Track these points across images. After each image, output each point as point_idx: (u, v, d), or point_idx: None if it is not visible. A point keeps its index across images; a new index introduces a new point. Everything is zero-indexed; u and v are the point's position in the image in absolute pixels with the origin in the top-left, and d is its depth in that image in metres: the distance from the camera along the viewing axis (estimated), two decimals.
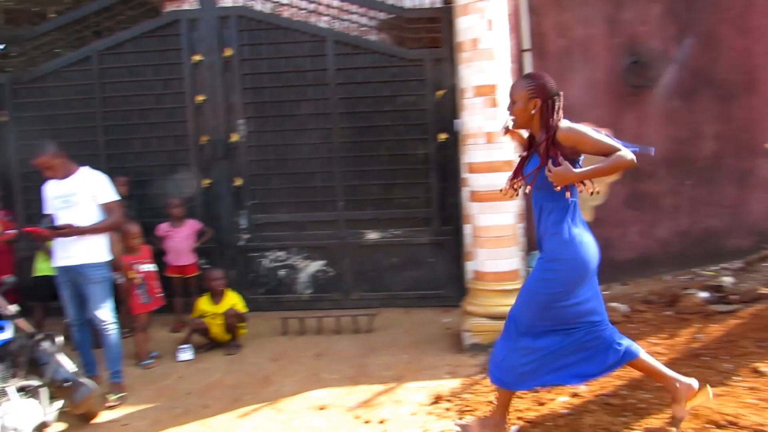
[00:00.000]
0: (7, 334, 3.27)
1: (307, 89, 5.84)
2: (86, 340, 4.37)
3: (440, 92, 5.67)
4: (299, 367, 4.57)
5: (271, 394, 4.09)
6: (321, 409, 3.81)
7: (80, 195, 4.15)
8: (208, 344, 5.11)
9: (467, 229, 5.52)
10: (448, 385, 3.98)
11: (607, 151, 2.68)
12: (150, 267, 4.90)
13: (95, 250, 4.16)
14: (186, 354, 4.93)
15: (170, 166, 6.01)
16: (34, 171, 6.01)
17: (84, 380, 3.72)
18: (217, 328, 5.02)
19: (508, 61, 4.62)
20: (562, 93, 2.84)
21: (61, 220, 4.18)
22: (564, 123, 2.78)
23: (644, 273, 5.56)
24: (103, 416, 3.94)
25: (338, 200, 5.87)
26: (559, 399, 3.48)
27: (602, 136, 2.71)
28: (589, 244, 2.87)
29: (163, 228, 5.62)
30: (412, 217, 5.86)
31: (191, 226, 5.67)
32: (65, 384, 3.59)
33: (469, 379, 4.04)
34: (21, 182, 6.04)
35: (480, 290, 4.66)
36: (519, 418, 3.32)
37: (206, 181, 5.96)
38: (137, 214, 5.53)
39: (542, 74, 2.92)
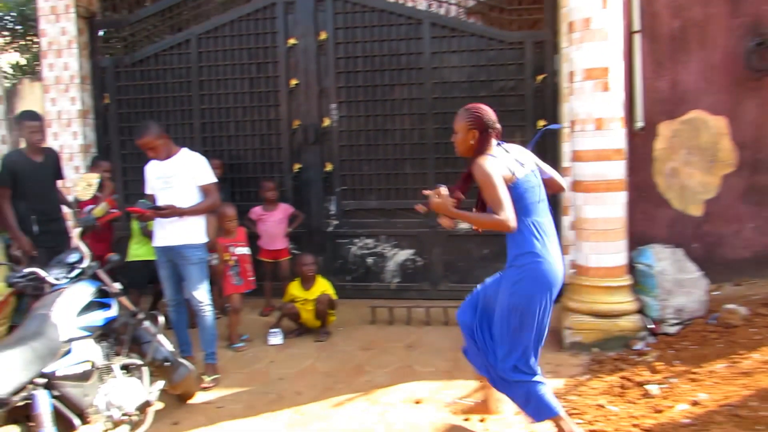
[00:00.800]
0: (113, 311, 3.30)
1: (401, 73, 5.69)
2: (182, 321, 4.42)
3: (540, 77, 5.40)
4: (391, 358, 4.46)
5: (363, 385, 4.00)
6: (417, 403, 3.69)
7: (180, 176, 4.17)
8: (297, 330, 5.08)
9: (565, 221, 5.25)
10: (550, 384, 3.75)
11: (495, 207, 2.77)
12: (244, 250, 4.91)
13: (194, 231, 4.18)
14: (276, 338, 4.92)
15: (262, 150, 6.03)
16: (132, 153, 6.20)
17: (183, 361, 3.74)
18: (307, 314, 4.98)
19: (621, 42, 4.32)
20: (498, 126, 2.99)
21: (161, 200, 4.22)
22: (482, 159, 2.86)
23: (761, 273, 5.11)
24: (199, 397, 3.96)
25: (430, 187, 5.70)
26: (678, 407, 3.21)
27: (502, 191, 2.76)
28: (542, 269, 2.89)
29: (256, 211, 5.61)
30: None
31: (284, 210, 5.64)
32: (165, 364, 3.61)
33: (573, 380, 3.82)
34: (120, 163, 6.19)
35: (583, 286, 4.40)
36: (635, 426, 3.09)
37: (297, 166, 5.93)
38: (229, 197, 5.58)
39: (480, 107, 3.02)
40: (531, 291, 2.89)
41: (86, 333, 3.02)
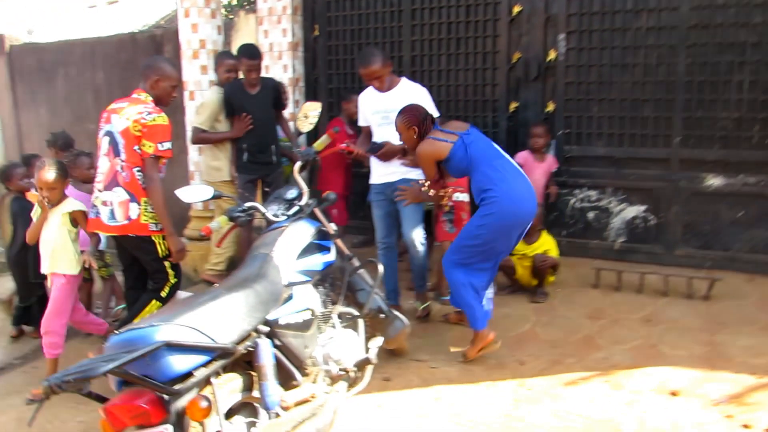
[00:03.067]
0: (331, 255, 3.00)
1: None
2: (392, 265, 4.13)
3: None
4: (627, 332, 3.80)
5: (599, 362, 3.41)
6: (672, 395, 3.03)
7: None
8: (510, 286, 4.58)
9: None
10: None
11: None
12: (463, 197, 4.41)
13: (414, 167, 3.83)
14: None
15: (475, 87, 5.46)
16: (340, 86, 5.96)
17: (398, 314, 3.41)
18: (523, 270, 4.45)
19: None
20: (431, 114, 3.63)
21: (378, 135, 3.90)
22: (421, 144, 3.50)
23: None
24: (410, 354, 3.64)
25: (674, 135, 4.81)
26: None
27: (428, 169, 3.57)
28: (506, 205, 3.33)
29: (524, 157, 4.91)
30: None
31: (551, 162, 4.95)
32: (380, 316, 3.30)
33: None
34: (327, 98, 5.99)
35: None
36: None
37: (513, 105, 5.31)
38: None
39: (411, 108, 3.58)
40: (497, 223, 3.33)
41: (306, 278, 2.75)
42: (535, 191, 4.54)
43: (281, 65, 5.94)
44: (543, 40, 5.12)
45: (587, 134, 5.11)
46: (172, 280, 3.52)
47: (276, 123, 4.93)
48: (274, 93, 4.81)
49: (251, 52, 4.67)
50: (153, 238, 3.39)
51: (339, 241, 3.25)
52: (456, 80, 5.52)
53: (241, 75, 4.79)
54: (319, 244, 2.98)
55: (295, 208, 3.07)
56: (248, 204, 3.00)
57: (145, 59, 3.56)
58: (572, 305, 4.28)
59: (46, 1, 12.47)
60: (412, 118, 3.50)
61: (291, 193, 3.17)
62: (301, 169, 3.25)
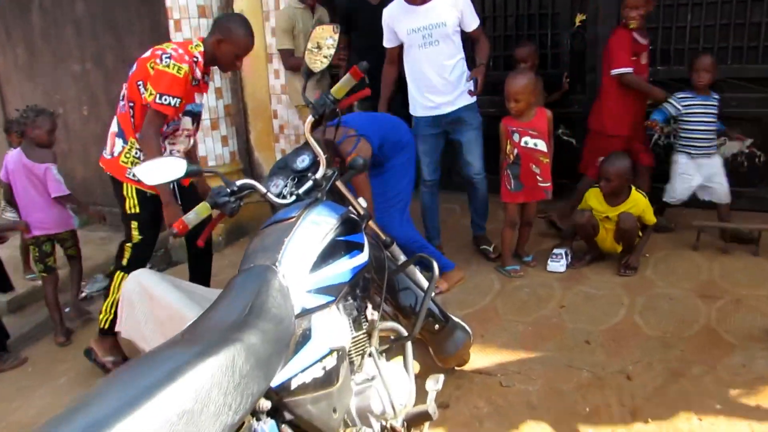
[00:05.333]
0: (363, 256, 2.01)
1: None
2: (435, 205, 3.72)
3: None
4: (761, 319, 2.84)
5: (737, 372, 2.47)
6: None
7: (447, 25, 3.14)
8: (587, 254, 3.61)
9: None
10: None
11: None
12: (536, 143, 3.34)
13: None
14: (559, 264, 3.53)
15: None
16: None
17: (458, 321, 2.48)
18: (606, 234, 3.47)
19: None
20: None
21: (417, 60, 3.29)
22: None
23: None
24: (471, 361, 2.74)
25: None
26: None
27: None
28: None
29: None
30: None
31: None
32: (434, 326, 2.38)
33: None
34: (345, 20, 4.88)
35: None
36: None
37: (579, 18, 4.21)
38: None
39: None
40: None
41: (328, 298, 1.79)
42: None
43: None
44: None
45: (677, 50, 4.02)
46: (135, 242, 3.00)
47: None
48: None
49: None
50: (124, 187, 2.93)
51: (372, 224, 2.30)
52: None
53: None
54: (345, 241, 2.00)
55: (309, 184, 2.10)
56: (240, 182, 2.04)
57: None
58: (673, 277, 3.31)
59: None
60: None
61: (302, 162, 2.21)
62: (315, 125, 2.23)
